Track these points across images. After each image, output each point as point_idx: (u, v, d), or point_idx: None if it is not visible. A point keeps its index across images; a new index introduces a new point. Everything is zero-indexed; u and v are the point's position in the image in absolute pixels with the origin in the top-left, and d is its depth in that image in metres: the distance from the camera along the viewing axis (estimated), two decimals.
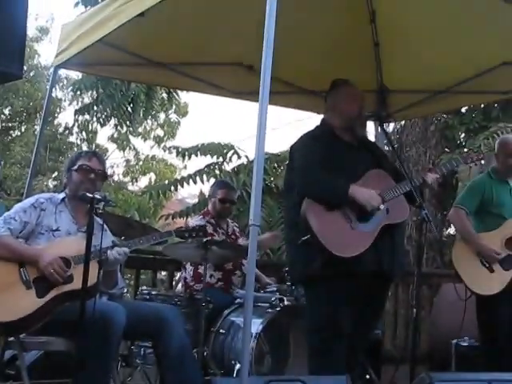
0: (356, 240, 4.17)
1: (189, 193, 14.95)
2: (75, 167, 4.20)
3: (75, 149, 20.80)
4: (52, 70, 5.67)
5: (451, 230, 10.96)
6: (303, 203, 4.16)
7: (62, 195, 4.25)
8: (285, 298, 5.31)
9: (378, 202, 4.21)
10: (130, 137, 21.19)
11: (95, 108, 13.41)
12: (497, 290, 5.12)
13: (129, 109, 13.49)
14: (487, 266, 5.19)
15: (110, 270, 4.15)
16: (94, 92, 13.30)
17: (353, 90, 4.61)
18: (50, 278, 3.83)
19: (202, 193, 11.74)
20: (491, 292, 5.13)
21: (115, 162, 22.77)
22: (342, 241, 4.13)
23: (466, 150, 10.34)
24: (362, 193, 4.19)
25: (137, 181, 23.09)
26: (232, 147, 11.47)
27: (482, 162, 5.35)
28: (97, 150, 19.52)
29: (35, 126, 20.87)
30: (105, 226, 4.09)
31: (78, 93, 14.09)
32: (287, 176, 4.54)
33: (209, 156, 11.38)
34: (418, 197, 4.28)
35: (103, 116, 13.77)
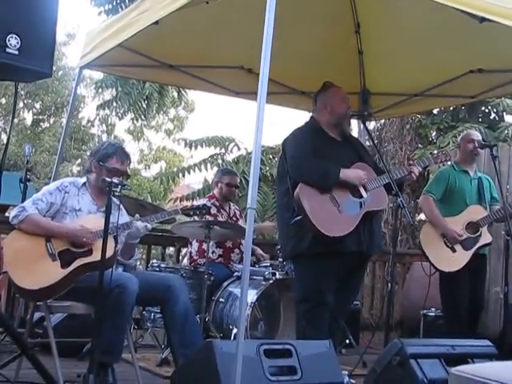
0: (342, 222, 4.17)
1: (195, 179, 14.92)
2: (107, 165, 4.09)
3: (96, 139, 20.82)
4: (77, 70, 5.62)
5: (422, 216, 10.96)
6: (297, 187, 4.15)
7: (83, 180, 4.22)
8: (277, 272, 5.33)
9: (364, 179, 4.24)
10: (144, 129, 21.23)
11: (114, 104, 13.36)
12: (458, 268, 5.14)
13: (143, 105, 13.43)
14: (450, 246, 5.20)
15: (131, 242, 4.17)
16: (114, 90, 13.24)
17: (342, 91, 4.59)
18: (84, 243, 3.86)
19: (206, 179, 11.76)
20: (453, 269, 5.15)
21: (131, 151, 22.73)
22: (331, 222, 4.13)
23: (436, 146, 10.32)
24: (351, 172, 4.23)
25: (149, 168, 23.14)
26: (233, 140, 11.46)
27: (449, 162, 5.38)
28: (115, 139, 19.49)
29: (62, 119, 20.88)
30: (121, 206, 4.09)
31: (100, 90, 14.02)
32: (280, 166, 4.50)
33: (212, 147, 11.37)
34: (395, 187, 4.29)
35: (121, 111, 13.73)
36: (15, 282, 3.78)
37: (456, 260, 5.18)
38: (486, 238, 5.26)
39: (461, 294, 5.24)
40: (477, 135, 5.53)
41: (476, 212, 5.30)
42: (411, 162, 4.65)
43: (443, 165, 5.46)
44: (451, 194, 5.40)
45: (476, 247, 5.21)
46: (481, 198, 5.39)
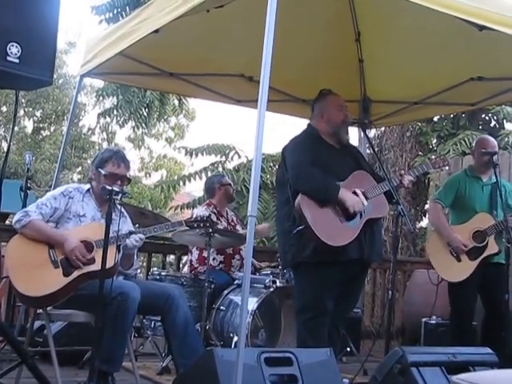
0: (344, 231, 4.15)
1: (195, 187, 14.91)
2: (104, 171, 4.08)
3: (97, 147, 20.84)
4: (78, 78, 5.63)
5: (423, 224, 10.98)
6: (298, 197, 4.12)
7: (87, 186, 4.23)
8: (277, 280, 5.32)
9: (360, 207, 4.18)
10: (145, 137, 21.21)
11: (115, 112, 13.38)
12: (462, 278, 5.10)
13: (144, 113, 13.45)
14: (455, 255, 5.16)
15: (129, 253, 4.17)
16: (115, 98, 13.25)
17: (339, 99, 4.59)
18: (73, 262, 3.84)
19: None
20: (457, 279, 5.11)
21: (131, 159, 22.75)
22: (333, 232, 4.11)
23: (437, 154, 10.32)
24: (348, 198, 4.16)
25: (150, 176, 23.11)
26: (233, 148, 11.47)
27: (447, 168, 5.36)
28: (115, 146, 19.51)
29: (62, 127, 20.90)
30: (125, 213, 4.08)
31: (101, 98, 14.05)
32: (279, 175, 4.47)
33: (213, 155, 11.40)
34: (395, 195, 4.29)
35: (122, 119, 13.75)
36: (17, 288, 3.77)
37: (461, 270, 5.13)
38: (492, 247, 5.16)
39: (464, 305, 5.22)
40: (492, 146, 5.37)
41: (484, 220, 5.21)
42: (402, 171, 4.63)
43: (441, 170, 5.45)
44: (461, 201, 5.35)
45: (482, 257, 5.14)
46: (492, 205, 5.28)
